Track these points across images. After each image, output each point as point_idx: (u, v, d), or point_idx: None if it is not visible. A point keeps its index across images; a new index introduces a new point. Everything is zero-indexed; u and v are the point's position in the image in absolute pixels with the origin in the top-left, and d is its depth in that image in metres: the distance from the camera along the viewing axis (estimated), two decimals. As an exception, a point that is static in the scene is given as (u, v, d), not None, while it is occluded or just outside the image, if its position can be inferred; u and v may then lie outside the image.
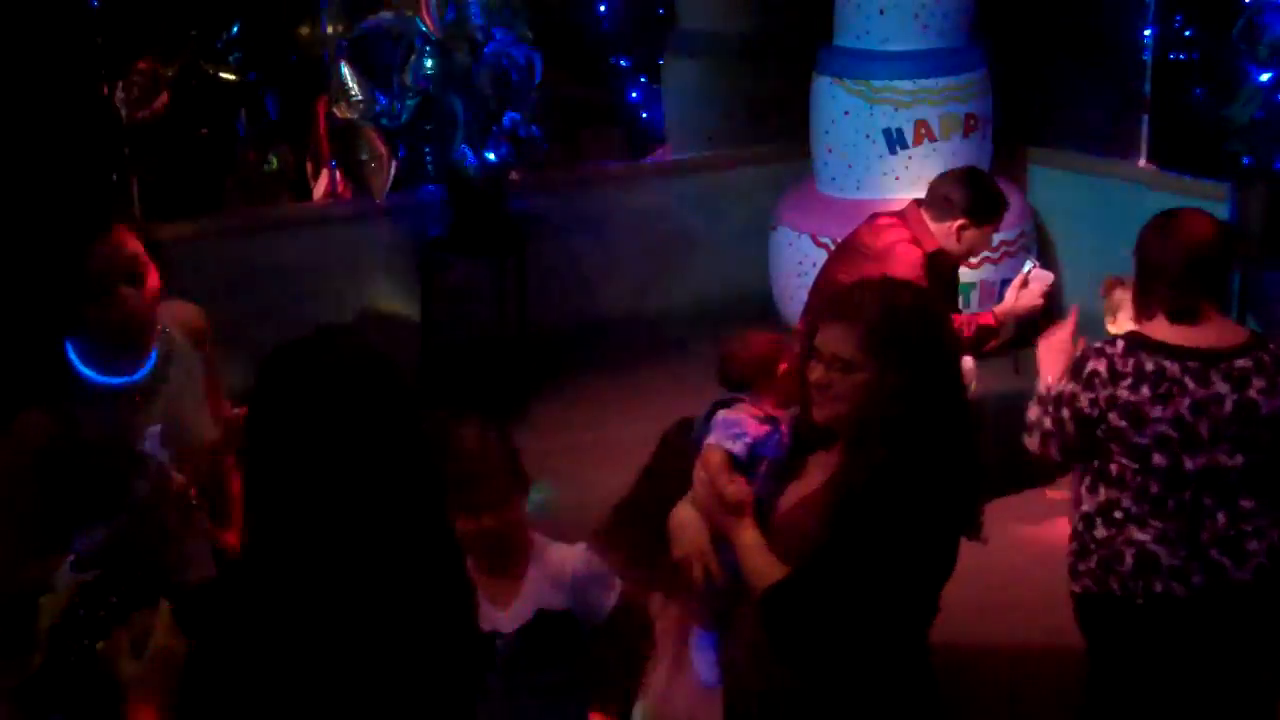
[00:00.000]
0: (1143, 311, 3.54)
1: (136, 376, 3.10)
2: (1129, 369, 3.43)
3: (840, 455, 2.94)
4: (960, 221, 5.14)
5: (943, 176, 5.34)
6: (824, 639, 2.88)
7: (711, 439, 3.23)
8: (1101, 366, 3.46)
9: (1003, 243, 6.65)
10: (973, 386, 5.33)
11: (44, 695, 2.69)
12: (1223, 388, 3.38)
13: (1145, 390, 3.40)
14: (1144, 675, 3.58)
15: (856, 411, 2.88)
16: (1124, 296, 4.43)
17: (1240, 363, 3.40)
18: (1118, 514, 3.49)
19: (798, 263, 6.83)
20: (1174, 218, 3.56)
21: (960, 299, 5.76)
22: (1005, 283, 5.49)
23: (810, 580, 2.84)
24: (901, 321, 2.89)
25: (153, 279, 3.06)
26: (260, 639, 2.28)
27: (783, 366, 3.31)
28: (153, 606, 2.62)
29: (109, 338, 3.06)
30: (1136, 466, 3.44)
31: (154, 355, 3.14)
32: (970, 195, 5.16)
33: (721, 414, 3.27)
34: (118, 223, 3.04)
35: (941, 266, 5.27)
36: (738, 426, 3.20)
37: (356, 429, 2.27)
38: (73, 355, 3.07)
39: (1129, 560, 3.47)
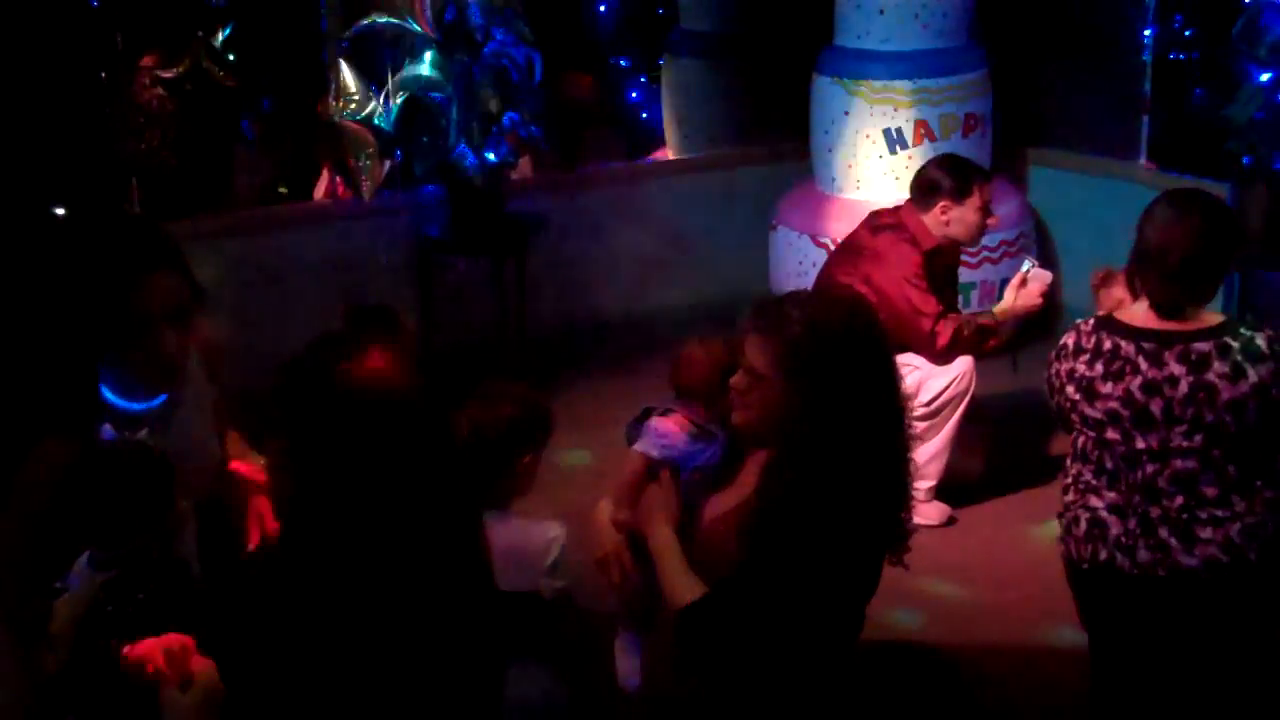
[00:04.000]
0: (1133, 290, 3.58)
1: (155, 403, 3.09)
2: (1090, 345, 3.52)
3: (762, 472, 2.90)
4: (943, 203, 5.17)
5: (920, 168, 5.40)
6: (738, 658, 2.85)
7: (638, 445, 3.19)
8: (1070, 340, 3.58)
9: (1003, 242, 6.65)
10: (972, 387, 5.34)
11: (62, 696, 2.68)
12: (1177, 369, 3.38)
13: (1099, 366, 3.48)
14: (1107, 645, 3.65)
15: (766, 424, 2.85)
16: (1123, 295, 4.40)
17: (1199, 346, 3.39)
18: (1081, 484, 3.59)
19: (798, 263, 6.82)
20: (1184, 205, 3.51)
21: (960, 299, 5.77)
22: (1005, 283, 5.49)
23: (724, 603, 2.81)
24: (820, 343, 2.81)
25: (195, 320, 3.04)
26: (293, 645, 2.31)
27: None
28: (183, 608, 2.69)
29: (146, 374, 3.04)
30: (1094, 436, 3.51)
31: None
32: (943, 172, 5.22)
33: (654, 420, 3.22)
34: (164, 264, 3.00)
35: (941, 265, 5.28)
36: (667, 438, 3.15)
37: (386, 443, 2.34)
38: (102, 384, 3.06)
39: (1083, 524, 3.55)
